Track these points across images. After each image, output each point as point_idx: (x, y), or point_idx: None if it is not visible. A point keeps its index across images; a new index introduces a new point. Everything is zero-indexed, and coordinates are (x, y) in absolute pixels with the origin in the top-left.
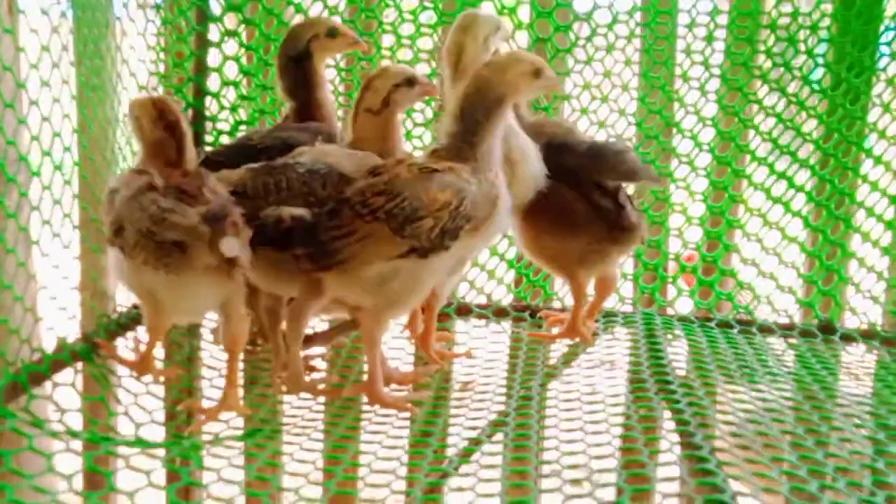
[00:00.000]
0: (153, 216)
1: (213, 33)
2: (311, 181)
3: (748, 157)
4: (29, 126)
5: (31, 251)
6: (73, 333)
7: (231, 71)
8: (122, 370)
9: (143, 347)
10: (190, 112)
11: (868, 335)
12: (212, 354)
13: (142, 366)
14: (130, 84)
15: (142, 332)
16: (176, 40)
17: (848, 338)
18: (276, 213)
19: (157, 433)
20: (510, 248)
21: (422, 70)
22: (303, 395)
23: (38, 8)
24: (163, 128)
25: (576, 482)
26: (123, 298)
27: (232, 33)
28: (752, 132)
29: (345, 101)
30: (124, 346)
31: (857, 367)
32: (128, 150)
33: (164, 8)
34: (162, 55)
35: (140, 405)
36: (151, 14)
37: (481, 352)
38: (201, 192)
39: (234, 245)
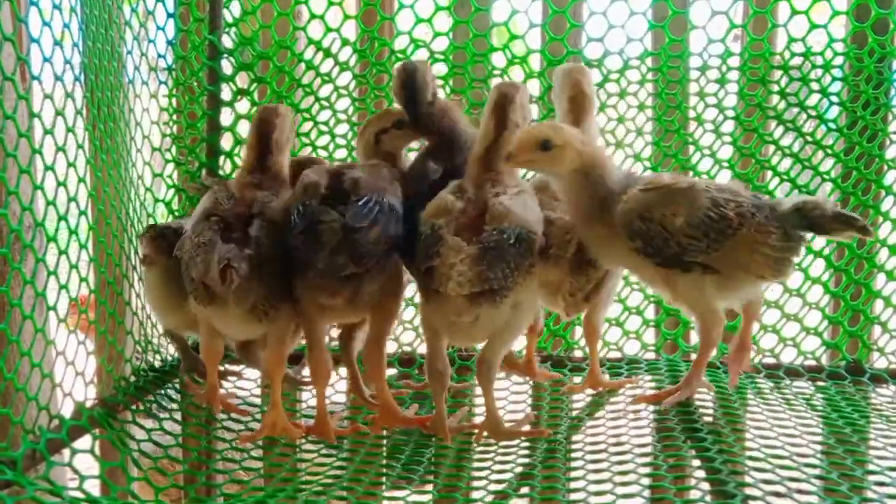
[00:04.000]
0: (188, 252)
1: (226, 92)
2: None
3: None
4: (45, 191)
5: (47, 316)
6: (90, 399)
7: (244, 129)
8: (139, 434)
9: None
10: (204, 172)
11: None
12: (229, 416)
13: (209, 394)
14: (144, 146)
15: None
16: (188, 101)
17: (877, 379)
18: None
19: (178, 498)
20: None
21: None
22: (323, 451)
23: (51, 74)
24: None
25: None
26: (140, 362)
27: (244, 92)
28: (769, 173)
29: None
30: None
31: (888, 408)
32: (143, 213)
33: (175, 69)
34: (175, 116)
35: (159, 469)
36: (163, 76)
37: (503, 402)
38: (248, 220)
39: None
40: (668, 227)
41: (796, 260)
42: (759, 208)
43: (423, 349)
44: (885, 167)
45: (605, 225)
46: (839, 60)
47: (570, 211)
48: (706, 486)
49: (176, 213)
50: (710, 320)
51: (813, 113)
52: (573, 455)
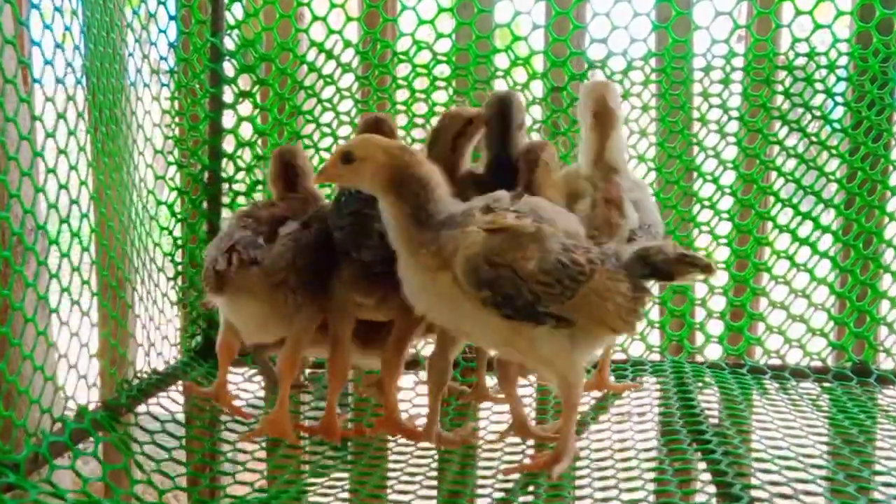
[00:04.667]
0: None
1: (228, 95)
2: None
3: (771, 198)
4: (46, 194)
5: (50, 319)
6: (93, 401)
7: (246, 131)
8: (142, 437)
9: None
10: (206, 174)
11: None
12: (233, 418)
13: (217, 391)
14: (146, 148)
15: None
16: (190, 103)
17: (884, 380)
18: None
19: (181, 500)
20: None
21: None
22: (328, 453)
23: (53, 76)
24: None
25: None
26: (143, 364)
27: (246, 94)
28: (774, 174)
29: None
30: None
31: (895, 409)
32: (145, 215)
33: (177, 72)
34: (177, 118)
35: (162, 471)
36: (165, 78)
37: (508, 407)
38: (282, 221)
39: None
40: (519, 273)
41: (644, 310)
42: (606, 255)
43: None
44: (891, 167)
45: (429, 264)
46: (844, 60)
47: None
48: (712, 488)
49: (178, 216)
50: (572, 377)
51: (818, 113)
52: (578, 459)
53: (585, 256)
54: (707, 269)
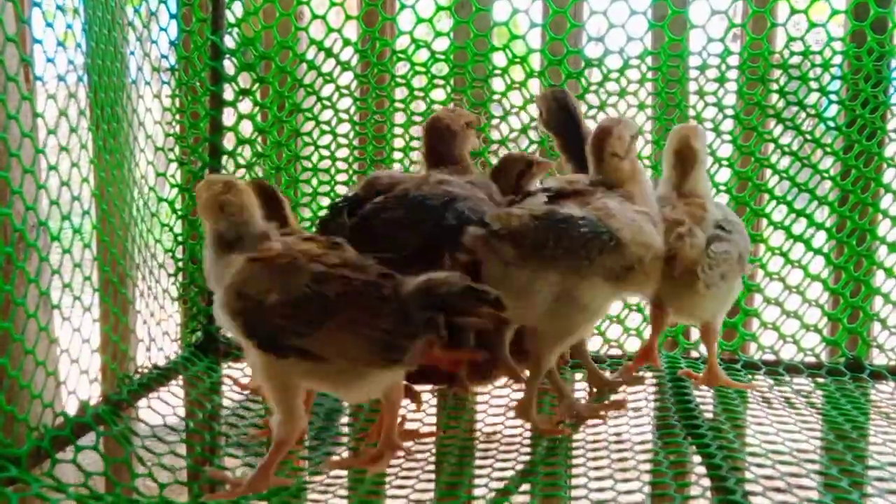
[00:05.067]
0: None
1: (228, 93)
2: None
3: (766, 196)
4: (48, 191)
5: (51, 315)
6: (94, 396)
7: (246, 129)
8: (143, 431)
9: None
10: (207, 171)
11: None
12: (233, 412)
13: None
14: (147, 146)
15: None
16: (191, 101)
17: (877, 375)
18: None
19: (182, 494)
20: None
21: None
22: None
23: (55, 74)
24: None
25: None
26: (144, 359)
27: (246, 92)
28: (768, 171)
29: (360, 154)
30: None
31: (887, 404)
32: (146, 212)
33: (178, 70)
34: (178, 116)
35: (164, 465)
36: (166, 76)
37: (505, 399)
38: None
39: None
40: (264, 304)
41: (416, 346)
42: (375, 286)
43: None
44: (884, 165)
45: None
46: (838, 59)
47: None
48: (707, 481)
49: (179, 213)
50: (284, 414)
51: (812, 111)
52: (574, 452)
53: (340, 290)
54: (496, 303)
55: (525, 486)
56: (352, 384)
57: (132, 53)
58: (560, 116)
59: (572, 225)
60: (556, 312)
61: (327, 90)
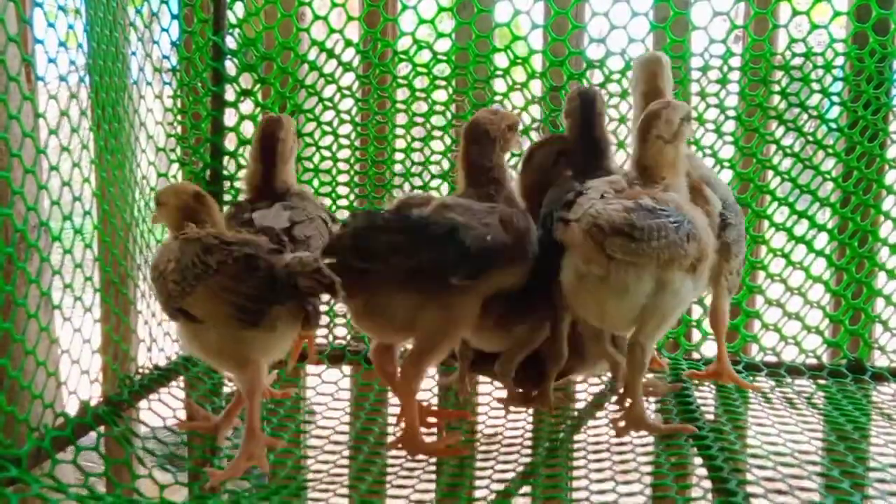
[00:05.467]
0: None
1: (229, 93)
2: None
3: (768, 197)
4: (50, 191)
5: (52, 316)
6: (95, 397)
7: (248, 130)
8: (144, 431)
9: None
10: (208, 172)
11: None
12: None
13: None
14: (149, 146)
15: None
16: (192, 102)
17: (879, 377)
18: None
19: (182, 494)
20: None
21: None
22: (326, 449)
23: (56, 74)
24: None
25: None
26: (145, 360)
27: (248, 93)
28: (770, 173)
29: (361, 155)
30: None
31: (889, 406)
32: (147, 212)
33: (180, 70)
34: (179, 117)
35: (164, 466)
36: (168, 77)
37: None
38: None
39: None
40: (165, 273)
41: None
42: (252, 258)
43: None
44: (886, 167)
45: None
46: (840, 60)
47: None
48: (708, 483)
49: None
50: (231, 370)
51: (814, 113)
52: (575, 454)
53: (218, 259)
54: (330, 287)
55: (526, 488)
56: (223, 350)
57: (134, 54)
58: (581, 114)
59: (666, 216)
60: (656, 305)
61: (329, 91)
